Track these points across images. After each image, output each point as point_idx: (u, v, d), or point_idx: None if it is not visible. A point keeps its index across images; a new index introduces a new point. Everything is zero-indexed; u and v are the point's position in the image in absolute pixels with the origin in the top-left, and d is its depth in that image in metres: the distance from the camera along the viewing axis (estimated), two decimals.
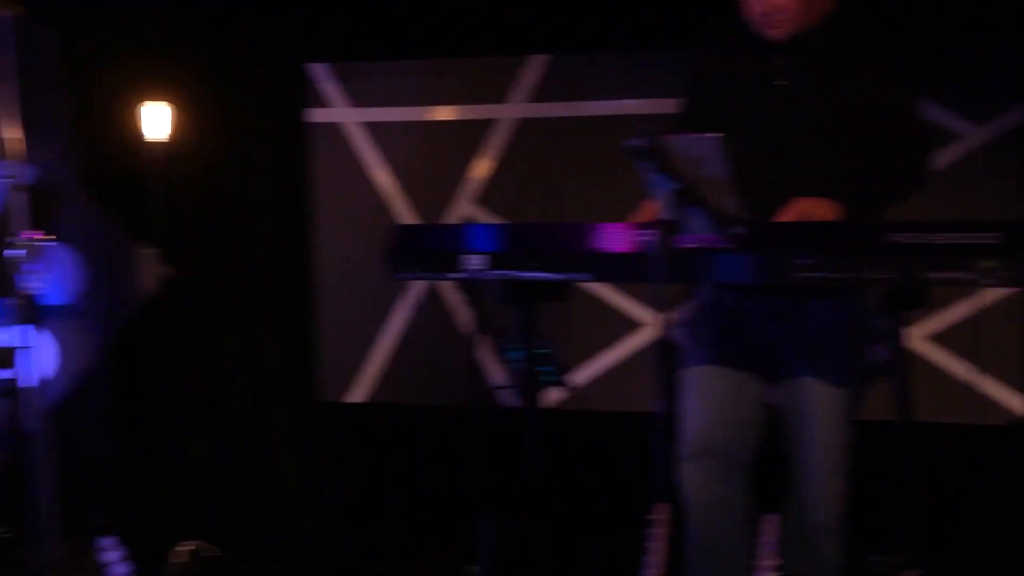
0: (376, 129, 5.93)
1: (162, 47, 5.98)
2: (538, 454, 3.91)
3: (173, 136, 5.78)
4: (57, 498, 5.18)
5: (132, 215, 5.97)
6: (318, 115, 6.00)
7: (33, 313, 5.08)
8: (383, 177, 5.92)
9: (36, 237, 3.06)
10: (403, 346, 5.90)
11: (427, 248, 3.78)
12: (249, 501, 6.05)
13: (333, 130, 5.98)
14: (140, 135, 5.71)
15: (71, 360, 5.73)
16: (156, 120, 5.74)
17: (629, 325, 5.57)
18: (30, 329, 5.31)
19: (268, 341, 6.04)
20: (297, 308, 6.02)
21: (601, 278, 4.65)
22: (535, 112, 5.69)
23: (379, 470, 5.93)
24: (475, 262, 3.60)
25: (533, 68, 5.68)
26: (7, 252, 3.26)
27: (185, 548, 5.45)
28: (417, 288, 5.85)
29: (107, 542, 4.96)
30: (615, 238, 3.52)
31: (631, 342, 5.57)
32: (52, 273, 3.41)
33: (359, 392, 5.99)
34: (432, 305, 5.84)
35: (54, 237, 3.31)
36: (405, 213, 5.83)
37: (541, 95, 5.68)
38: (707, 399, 3.70)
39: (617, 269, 3.59)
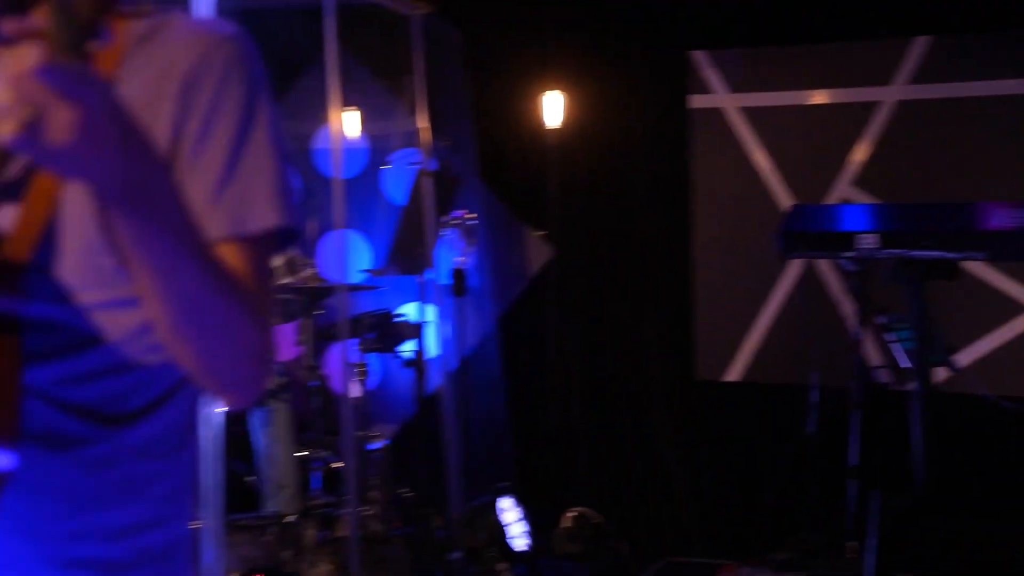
0: (755, 114, 6.05)
1: (553, 39, 6.29)
2: (924, 434, 3.93)
3: (564, 124, 6.08)
4: (461, 458, 5.59)
5: (522, 199, 6.32)
6: (699, 101, 6.17)
7: (445, 289, 5.49)
8: (762, 161, 6.04)
9: (466, 216, 3.32)
10: (779, 326, 6.00)
11: (819, 228, 3.88)
12: (629, 473, 6.29)
13: (713, 115, 6.14)
14: (537, 123, 6.01)
15: (468, 334, 6.13)
16: (550, 108, 6.05)
17: (1014, 308, 5.48)
18: (439, 304, 5.75)
19: (648, 320, 6.26)
20: (676, 288, 6.21)
21: (994, 257, 4.61)
22: (916, 94, 5.67)
23: (754, 447, 6.05)
24: (868, 241, 3.68)
25: (915, 50, 5.67)
26: (441, 232, 3.58)
27: (572, 514, 5.73)
28: (796, 268, 5.94)
29: (506, 503, 5.29)
30: (1005, 217, 3.53)
31: (1016, 325, 5.49)
32: (474, 250, 3.72)
33: (736, 371, 6.13)
34: (808, 285, 5.91)
35: (475, 217, 3.60)
36: (783, 196, 5.92)
37: (922, 77, 5.65)
38: None
39: (1011, 249, 3.59)
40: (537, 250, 6.40)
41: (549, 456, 6.35)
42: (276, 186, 1.56)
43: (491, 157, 6.34)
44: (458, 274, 3.41)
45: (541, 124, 5.91)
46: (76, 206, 1.48)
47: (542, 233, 6.33)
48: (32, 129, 1.22)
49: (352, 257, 5.56)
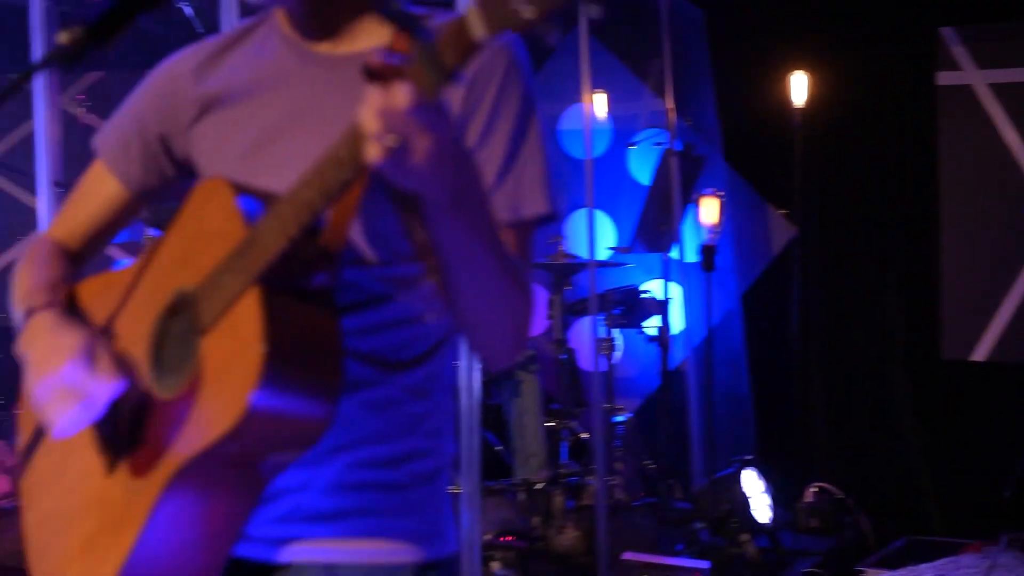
0: (1005, 91, 5.97)
1: (798, 18, 6.33)
2: None
3: (808, 103, 6.11)
4: (704, 431, 5.74)
5: (766, 177, 6.39)
6: (947, 78, 6.12)
7: (690, 266, 5.62)
8: (1011, 137, 5.96)
9: (714, 194, 3.45)
10: None
11: None
12: (871, 450, 6.32)
13: (962, 92, 6.08)
14: (782, 103, 6.06)
15: (712, 310, 6.25)
16: (796, 88, 6.09)
17: None
18: (683, 281, 5.90)
19: (892, 298, 6.26)
20: (922, 267, 6.19)
21: None
22: None
23: (999, 427, 5.99)
24: None
25: None
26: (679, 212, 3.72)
27: (814, 488, 5.80)
28: None
29: (748, 475, 5.40)
30: None
31: None
32: (721, 227, 3.83)
33: (982, 351, 6.07)
34: None
35: (723, 194, 3.70)
36: None
37: None
38: None
39: None
40: (780, 228, 6.47)
41: (791, 430, 6.42)
42: (544, 177, 1.82)
43: (735, 136, 6.43)
44: (707, 250, 3.54)
45: (786, 104, 5.96)
46: (373, 192, 1.73)
47: (785, 211, 6.39)
48: (397, 155, 1.47)
49: (599, 235, 5.75)
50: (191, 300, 1.72)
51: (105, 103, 7.19)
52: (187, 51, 2.01)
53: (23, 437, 2.04)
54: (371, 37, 1.88)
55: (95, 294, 1.99)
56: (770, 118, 6.26)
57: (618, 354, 6.05)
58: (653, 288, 6.08)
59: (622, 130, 6.78)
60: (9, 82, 1.80)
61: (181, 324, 1.75)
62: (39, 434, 1.99)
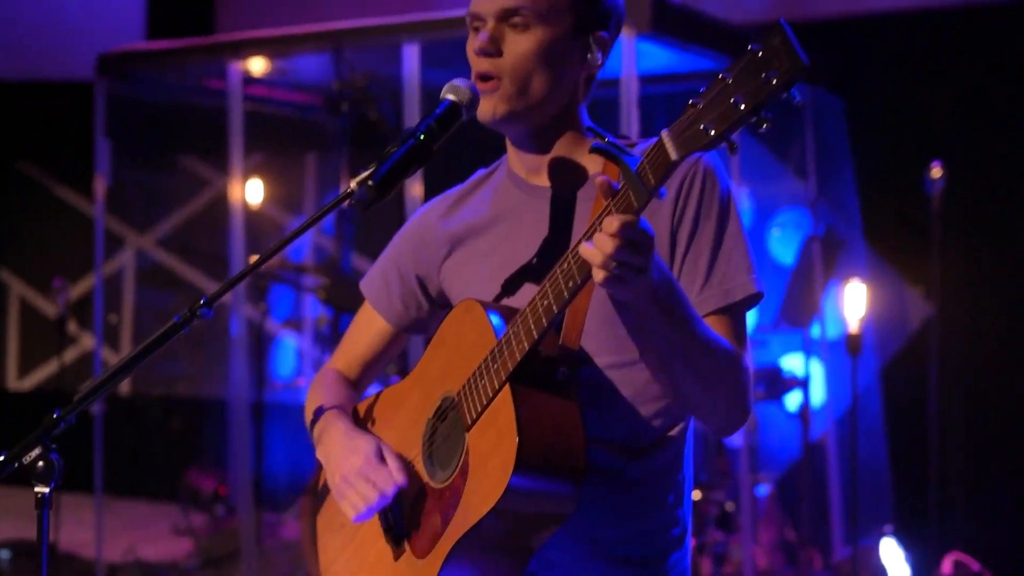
0: None
1: (934, 106, 6.59)
2: None
3: (945, 187, 6.33)
4: (845, 503, 5.96)
5: (904, 258, 6.64)
6: None
7: (831, 344, 5.86)
8: None
9: (858, 282, 3.72)
10: None
11: None
12: (1009, 522, 6.47)
13: None
14: (920, 188, 6.26)
15: (851, 385, 6.48)
16: (933, 176, 6.31)
17: None
18: (824, 357, 6.15)
19: None
20: None
21: None
22: None
23: None
24: None
25: None
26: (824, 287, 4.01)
27: (952, 559, 5.98)
28: None
29: (888, 546, 5.62)
30: None
31: None
32: (870, 311, 4.09)
33: None
34: None
35: (864, 282, 3.97)
36: None
37: None
38: None
39: None
40: (918, 306, 6.69)
41: (930, 502, 6.60)
42: (748, 263, 2.15)
43: (875, 218, 6.68)
44: (853, 338, 3.81)
45: (924, 187, 6.17)
46: (600, 296, 2.10)
47: (921, 289, 6.62)
48: (617, 273, 1.83)
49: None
50: (455, 403, 2.11)
51: (272, 183, 7.70)
52: (434, 201, 2.43)
53: (310, 520, 2.47)
54: (588, 168, 2.26)
55: (374, 408, 2.40)
56: (908, 201, 6.50)
57: (760, 428, 6.32)
58: (795, 364, 6.35)
59: (762, 210, 7.08)
60: (309, 219, 2.20)
61: (448, 424, 2.13)
62: (328, 519, 2.40)
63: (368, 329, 2.47)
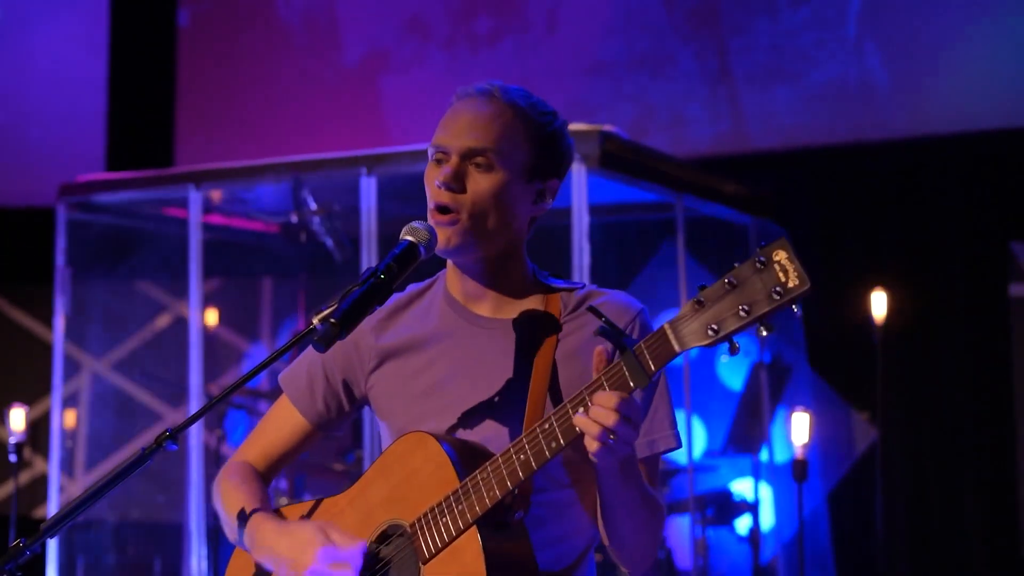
0: None
1: (874, 236, 6.79)
2: None
3: (888, 315, 6.50)
4: None
5: (848, 383, 6.79)
6: (1019, 290, 6.52)
7: (777, 468, 5.95)
8: None
9: (803, 411, 3.89)
10: None
11: None
12: None
13: None
14: (863, 316, 6.43)
15: (798, 509, 6.58)
16: (875, 304, 6.47)
17: None
18: (772, 482, 6.25)
19: (970, 499, 6.54)
20: (999, 469, 6.48)
21: None
22: None
23: None
24: None
25: None
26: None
27: None
28: None
29: None
30: None
31: None
32: (811, 438, 4.23)
33: None
34: None
35: (811, 412, 4.13)
36: None
37: None
38: None
39: None
40: (862, 432, 6.83)
41: None
42: (672, 418, 2.35)
43: (819, 344, 6.84)
44: (799, 464, 3.94)
45: (866, 316, 6.30)
46: None
47: (866, 415, 6.76)
48: (611, 445, 2.03)
49: (693, 438, 6.15)
50: (406, 532, 2.20)
51: (229, 308, 7.79)
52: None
53: None
54: (524, 305, 2.38)
55: (308, 517, 2.46)
56: (851, 329, 6.66)
57: (711, 552, 6.39)
58: (744, 489, 6.45)
59: None
60: (271, 354, 2.31)
61: (396, 551, 2.22)
62: None
63: (284, 425, 2.53)
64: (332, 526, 2.27)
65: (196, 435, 5.97)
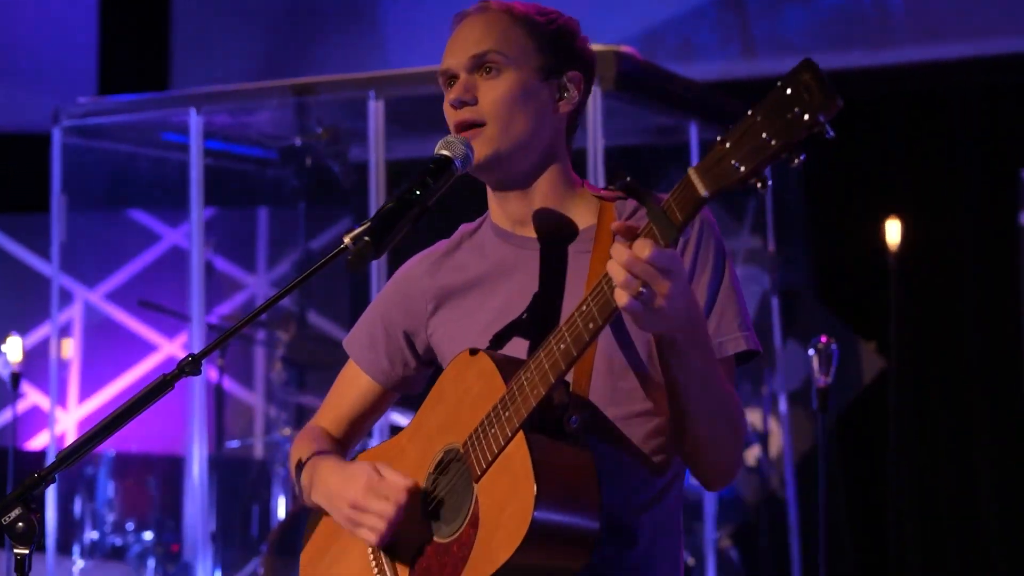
0: None
1: (888, 163, 6.67)
2: None
3: (900, 244, 6.41)
4: (805, 556, 5.95)
5: (857, 312, 6.70)
6: None
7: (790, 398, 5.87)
8: None
9: (828, 342, 3.79)
10: None
11: None
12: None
13: None
14: (872, 244, 6.34)
15: (803, 440, 6.52)
16: (888, 232, 6.37)
17: None
18: (781, 412, 6.17)
19: (978, 434, 6.48)
20: (1007, 402, 6.42)
21: None
22: None
23: None
24: None
25: None
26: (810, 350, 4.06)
27: None
28: None
29: None
30: None
31: None
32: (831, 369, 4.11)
33: None
34: None
35: (834, 342, 4.02)
36: None
37: None
38: None
39: None
40: (870, 362, 6.75)
41: (886, 554, 6.62)
42: (742, 318, 2.16)
43: (829, 274, 6.74)
44: (822, 394, 3.83)
45: (876, 245, 6.20)
46: (603, 347, 2.11)
47: (873, 345, 6.67)
48: (643, 298, 1.83)
49: None
50: (460, 455, 2.08)
51: (225, 238, 7.65)
52: (419, 257, 2.41)
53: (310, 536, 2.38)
54: (575, 219, 2.25)
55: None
56: (861, 257, 6.56)
57: None
58: (754, 419, 6.37)
59: None
60: (302, 275, 2.18)
61: (452, 476, 2.10)
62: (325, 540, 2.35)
63: (353, 387, 2.44)
64: (385, 466, 2.15)
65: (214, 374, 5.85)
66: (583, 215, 2.25)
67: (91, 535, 6.61)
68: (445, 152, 2.17)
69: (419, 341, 2.38)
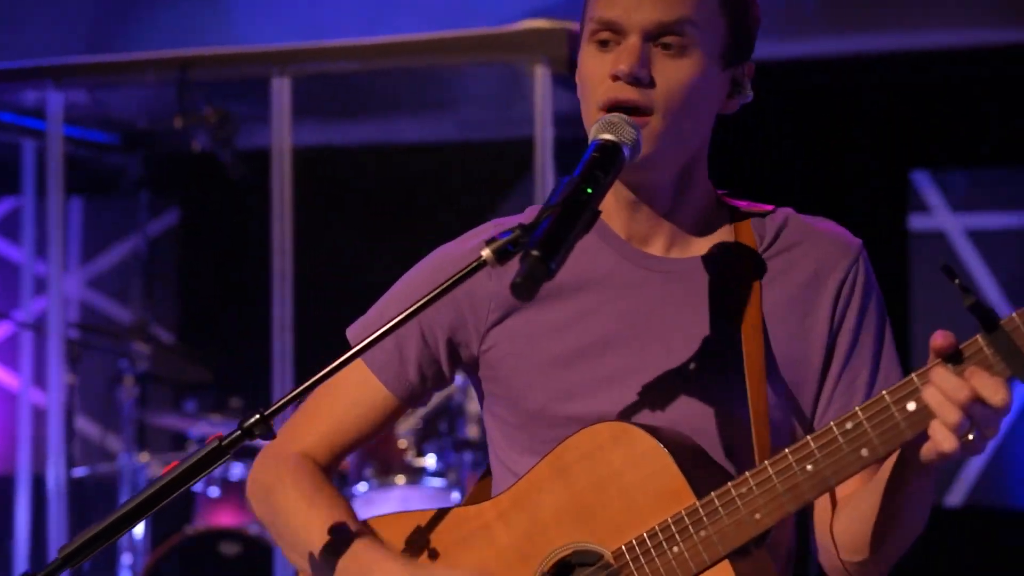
0: (980, 237, 6.11)
1: (777, 161, 6.39)
2: None
3: None
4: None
5: None
6: (920, 221, 6.24)
7: None
8: (986, 285, 6.08)
9: None
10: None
11: None
12: None
13: (935, 237, 6.20)
14: None
15: None
16: None
17: None
18: None
19: None
20: None
21: None
22: None
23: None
24: None
25: None
26: None
27: None
28: None
29: None
30: None
31: None
32: None
33: (956, 496, 6.14)
34: None
35: None
36: None
37: None
38: None
39: None
40: None
41: None
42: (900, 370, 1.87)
43: None
44: None
45: None
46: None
47: None
48: (970, 445, 1.51)
49: None
50: (609, 567, 1.58)
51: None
52: (475, 239, 1.85)
53: None
54: (711, 238, 1.79)
55: (429, 534, 1.79)
56: None
57: None
58: None
59: None
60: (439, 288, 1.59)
61: None
62: None
63: (359, 401, 1.85)
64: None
65: (26, 383, 5.23)
66: (721, 233, 1.84)
67: None
68: (610, 136, 1.65)
69: (464, 352, 1.84)
